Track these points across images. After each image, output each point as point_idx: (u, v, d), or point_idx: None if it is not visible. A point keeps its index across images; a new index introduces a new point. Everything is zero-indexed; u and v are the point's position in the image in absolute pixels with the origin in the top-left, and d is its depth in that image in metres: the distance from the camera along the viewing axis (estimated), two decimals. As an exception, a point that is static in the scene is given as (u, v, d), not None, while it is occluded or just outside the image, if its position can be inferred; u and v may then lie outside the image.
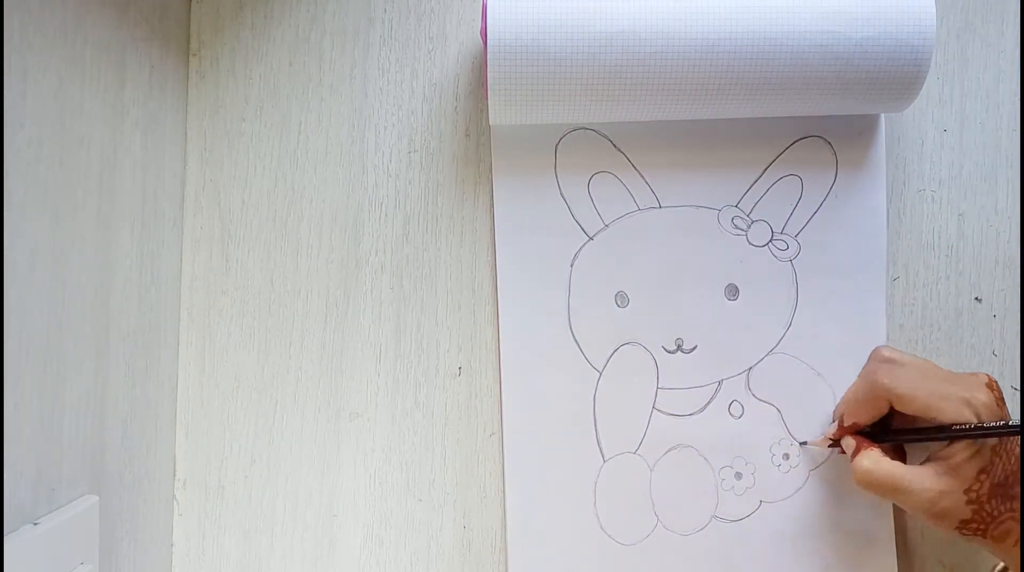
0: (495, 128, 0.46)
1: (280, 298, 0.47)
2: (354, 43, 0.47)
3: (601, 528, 0.46)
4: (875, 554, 0.45)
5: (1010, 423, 0.38)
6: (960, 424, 0.39)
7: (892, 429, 0.43)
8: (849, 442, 0.43)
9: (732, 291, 0.46)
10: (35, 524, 0.32)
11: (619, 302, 0.46)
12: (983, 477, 0.38)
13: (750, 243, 0.46)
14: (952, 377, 0.41)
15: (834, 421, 0.45)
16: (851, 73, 0.41)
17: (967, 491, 0.38)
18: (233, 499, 0.47)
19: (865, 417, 0.43)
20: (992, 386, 0.40)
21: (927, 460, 0.41)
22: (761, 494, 0.46)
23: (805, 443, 0.46)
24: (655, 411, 0.46)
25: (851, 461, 0.42)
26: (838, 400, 0.46)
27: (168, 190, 0.45)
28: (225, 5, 0.47)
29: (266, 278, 0.47)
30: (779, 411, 0.46)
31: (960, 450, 0.39)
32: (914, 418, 0.41)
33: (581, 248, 0.46)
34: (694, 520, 0.46)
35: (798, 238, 0.46)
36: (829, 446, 0.45)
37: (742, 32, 0.40)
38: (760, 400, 0.46)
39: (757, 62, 0.40)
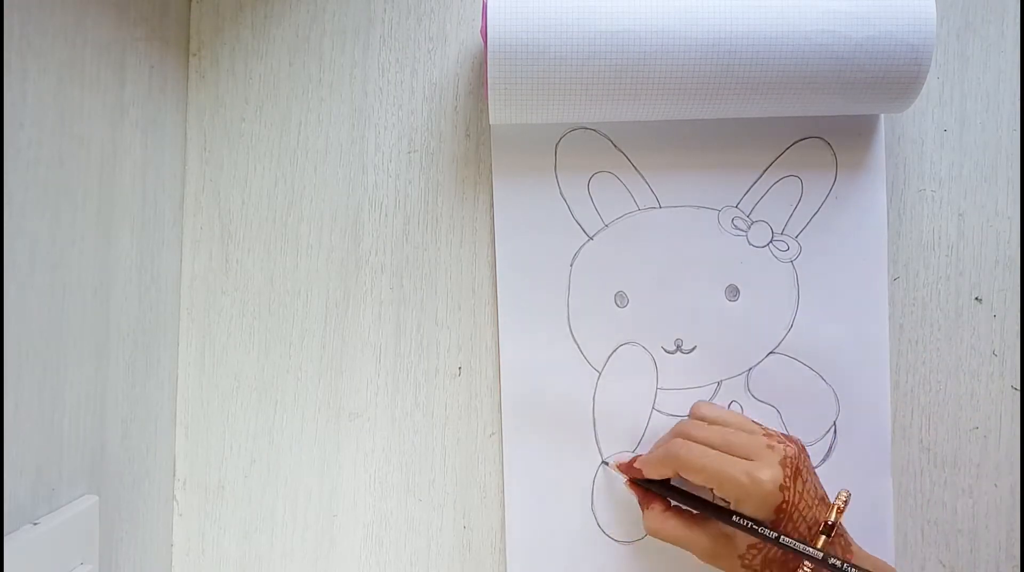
0: (495, 128, 0.46)
1: (280, 298, 0.47)
2: (354, 43, 0.47)
3: (600, 528, 0.46)
4: (874, 554, 0.45)
5: (769, 533, 0.38)
6: (726, 500, 0.40)
7: (674, 487, 0.43)
8: (632, 492, 0.44)
9: (732, 292, 0.46)
10: (35, 524, 0.32)
11: (619, 302, 0.46)
12: (754, 552, 0.39)
13: (750, 244, 0.46)
14: (747, 450, 0.40)
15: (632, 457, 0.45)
16: (851, 73, 0.41)
17: (741, 557, 0.40)
18: (233, 499, 0.47)
19: (655, 473, 0.43)
20: (786, 463, 0.39)
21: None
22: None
23: (607, 463, 0.46)
24: (654, 411, 0.46)
25: (641, 509, 0.44)
26: (839, 401, 0.46)
27: (168, 190, 0.45)
28: (225, 5, 0.47)
29: (266, 278, 0.47)
30: (778, 412, 0.46)
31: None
32: None
33: (581, 248, 0.46)
34: (694, 520, 0.46)
35: (798, 239, 0.46)
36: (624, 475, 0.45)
37: (742, 32, 0.39)
38: (760, 401, 0.46)
39: (757, 62, 0.40)
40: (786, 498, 0.38)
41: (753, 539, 0.39)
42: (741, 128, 0.46)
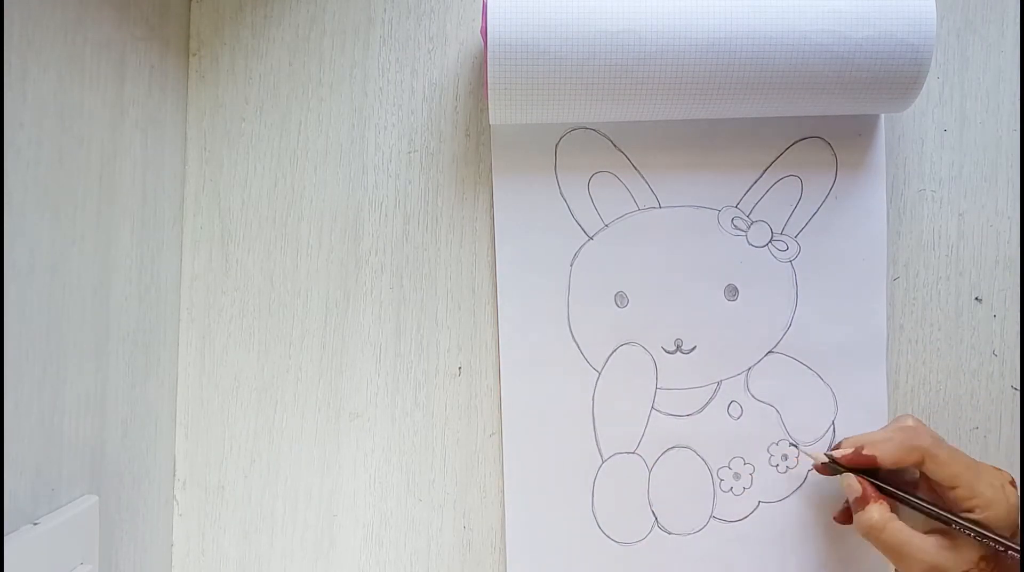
0: (495, 128, 0.46)
1: (280, 298, 0.47)
2: (354, 43, 0.47)
3: (599, 528, 0.46)
4: (873, 554, 0.45)
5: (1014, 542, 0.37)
6: (973, 519, 0.38)
7: (902, 485, 0.42)
8: (855, 486, 0.42)
9: (732, 291, 0.46)
10: (35, 524, 0.32)
11: (619, 302, 0.46)
12: (983, 565, 0.38)
13: (750, 244, 0.46)
14: (978, 464, 0.40)
15: (837, 445, 0.44)
16: (851, 73, 0.41)
17: None
18: (233, 499, 0.47)
19: (890, 459, 0.41)
20: (1014, 484, 0.39)
21: (932, 529, 0.40)
22: (760, 495, 0.46)
23: (795, 445, 0.46)
24: (654, 411, 0.46)
25: (855, 505, 0.41)
26: (837, 401, 0.46)
27: (168, 190, 0.45)
28: (225, 5, 0.47)
29: (266, 278, 0.47)
30: (778, 412, 0.46)
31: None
32: (917, 484, 0.42)
33: (581, 248, 0.46)
34: (692, 520, 0.46)
35: (798, 239, 0.46)
36: (821, 465, 0.44)
37: (742, 32, 0.39)
38: (759, 401, 0.46)
39: (757, 62, 0.40)
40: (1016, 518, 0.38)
41: (983, 552, 0.38)
42: (741, 128, 0.46)
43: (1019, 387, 0.47)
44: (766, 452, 0.46)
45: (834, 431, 0.46)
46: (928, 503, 0.41)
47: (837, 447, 0.44)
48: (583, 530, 0.46)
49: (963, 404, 0.47)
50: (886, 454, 0.41)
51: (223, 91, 0.47)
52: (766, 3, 0.40)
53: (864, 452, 0.41)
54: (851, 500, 0.42)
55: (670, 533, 0.46)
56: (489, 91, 0.41)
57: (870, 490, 0.41)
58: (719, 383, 0.46)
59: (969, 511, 0.39)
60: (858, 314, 0.46)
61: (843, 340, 0.46)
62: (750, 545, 0.46)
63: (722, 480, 0.46)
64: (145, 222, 0.42)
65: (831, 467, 0.44)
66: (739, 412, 0.46)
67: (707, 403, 0.46)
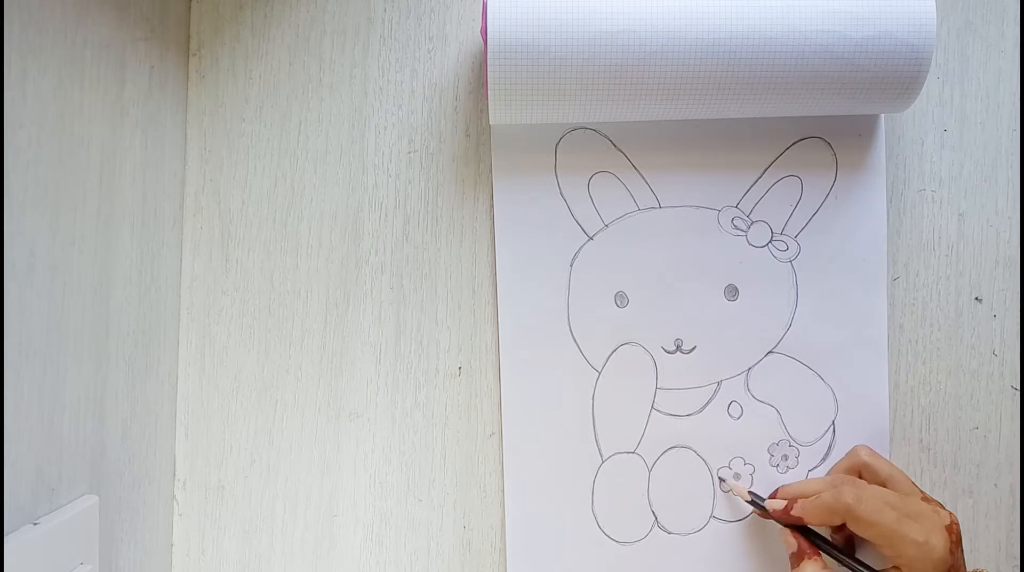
0: (495, 128, 0.46)
1: (280, 298, 0.47)
2: (354, 43, 0.47)
3: (599, 528, 0.46)
4: (874, 554, 0.45)
5: None
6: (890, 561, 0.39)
7: (830, 543, 0.42)
8: (791, 541, 0.42)
9: (732, 291, 0.46)
10: (35, 524, 0.32)
11: (619, 302, 0.46)
12: None
13: (750, 244, 0.46)
14: (914, 511, 0.40)
15: (773, 495, 0.44)
16: (851, 73, 0.41)
17: None
18: (233, 499, 0.47)
19: (816, 520, 0.41)
20: (951, 529, 0.39)
21: None
22: (760, 495, 0.46)
23: (723, 480, 0.46)
24: (654, 411, 0.46)
25: (792, 560, 0.42)
26: (838, 401, 0.46)
27: (168, 190, 0.45)
28: (225, 5, 0.47)
29: (266, 278, 0.47)
30: (778, 412, 0.46)
31: None
32: (853, 537, 0.42)
33: (581, 248, 0.46)
34: (692, 520, 0.46)
35: (798, 239, 0.46)
36: (760, 510, 0.44)
37: (742, 32, 0.39)
38: (759, 401, 0.46)
39: (757, 62, 0.40)
40: (952, 564, 0.38)
41: None
42: (741, 128, 0.46)
43: (1019, 387, 0.47)
44: (766, 452, 0.46)
45: (834, 431, 0.46)
46: (858, 562, 0.41)
47: (774, 495, 0.44)
48: (583, 530, 0.46)
49: (963, 404, 0.47)
50: (812, 516, 0.41)
51: (223, 91, 0.47)
52: (766, 3, 0.40)
53: (793, 512, 0.42)
54: (788, 552, 0.43)
55: (670, 533, 0.46)
56: (489, 91, 0.41)
57: (805, 545, 0.42)
58: (719, 383, 0.46)
59: (895, 566, 0.39)
60: (858, 314, 0.46)
61: (843, 340, 0.46)
62: (750, 545, 0.46)
63: (722, 480, 0.46)
64: (145, 222, 0.42)
65: (761, 513, 0.44)
66: (739, 412, 0.46)
67: (707, 403, 0.46)
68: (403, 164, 0.47)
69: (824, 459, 0.46)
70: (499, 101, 0.41)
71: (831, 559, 0.42)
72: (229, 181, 0.47)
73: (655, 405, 0.46)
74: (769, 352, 0.46)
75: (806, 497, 0.42)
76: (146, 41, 0.41)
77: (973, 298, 0.47)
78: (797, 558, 0.42)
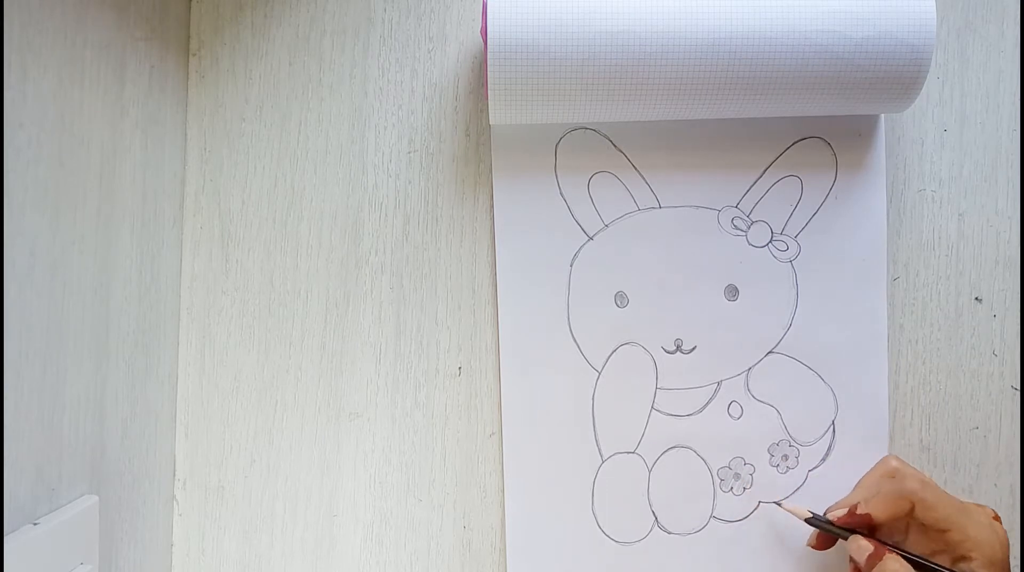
0: (495, 128, 0.46)
1: (280, 298, 0.47)
2: (354, 43, 0.47)
3: (599, 528, 0.46)
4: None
5: None
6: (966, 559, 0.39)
7: (897, 545, 0.42)
8: (866, 545, 0.41)
9: (732, 291, 0.46)
10: (35, 524, 0.32)
11: (619, 302, 0.46)
12: None
13: (750, 244, 0.46)
14: (963, 503, 0.41)
15: (827, 510, 0.44)
16: (851, 73, 0.41)
17: None
18: (233, 499, 0.47)
19: (884, 514, 0.41)
20: (998, 519, 0.40)
21: None
22: (760, 495, 0.46)
23: (779, 504, 0.45)
24: (654, 411, 0.46)
25: (869, 562, 0.41)
26: (838, 401, 0.46)
27: (168, 190, 0.45)
28: (225, 5, 0.47)
29: (266, 278, 0.47)
30: (778, 412, 0.46)
31: None
32: (909, 529, 0.42)
33: (581, 248, 0.46)
34: (692, 520, 0.46)
35: (798, 239, 0.46)
36: (818, 540, 0.44)
37: (742, 32, 0.39)
38: (759, 401, 0.46)
39: (757, 62, 0.40)
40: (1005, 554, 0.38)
41: None
42: (741, 128, 0.46)
43: (1019, 387, 0.47)
44: (766, 452, 0.46)
45: (834, 431, 0.46)
46: (923, 559, 0.40)
47: (827, 512, 0.43)
48: (583, 530, 0.46)
49: (963, 404, 0.47)
50: (879, 510, 0.41)
51: (223, 91, 0.47)
52: (766, 3, 0.40)
53: (858, 512, 0.42)
54: (861, 559, 0.41)
55: (670, 533, 0.46)
56: (489, 91, 0.41)
57: (877, 545, 0.41)
58: (719, 383, 0.46)
59: (964, 554, 0.39)
60: (858, 314, 0.46)
61: (843, 340, 0.46)
62: (750, 545, 0.46)
63: (722, 480, 0.46)
64: (145, 222, 0.42)
65: (825, 528, 0.43)
66: (739, 412, 0.46)
67: (707, 403, 0.46)
68: (403, 164, 0.47)
69: (824, 459, 0.46)
70: (499, 101, 0.41)
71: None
72: (229, 181, 0.47)
73: (655, 405, 0.46)
74: (769, 352, 0.46)
75: (864, 501, 0.42)
76: (146, 41, 0.41)
77: (973, 298, 0.47)
78: (875, 558, 0.40)
